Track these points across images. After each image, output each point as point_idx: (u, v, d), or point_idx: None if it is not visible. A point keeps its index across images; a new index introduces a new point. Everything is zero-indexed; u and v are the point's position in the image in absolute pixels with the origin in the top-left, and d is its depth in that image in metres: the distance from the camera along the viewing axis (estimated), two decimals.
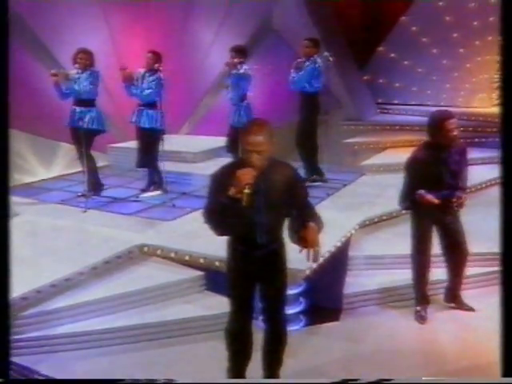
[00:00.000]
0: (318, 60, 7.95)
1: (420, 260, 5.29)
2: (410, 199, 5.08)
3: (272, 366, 4.05)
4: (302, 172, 8.29)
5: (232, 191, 3.32)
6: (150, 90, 7.60)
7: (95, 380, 4.09)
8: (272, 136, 3.49)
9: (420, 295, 5.36)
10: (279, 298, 3.93)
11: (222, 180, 3.47)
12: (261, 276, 3.82)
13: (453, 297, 5.46)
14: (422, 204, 4.97)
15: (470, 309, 5.41)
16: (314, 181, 8.26)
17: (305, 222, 3.42)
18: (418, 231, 5.25)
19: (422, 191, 4.94)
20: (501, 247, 3.64)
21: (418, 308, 5.33)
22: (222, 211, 3.40)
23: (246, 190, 3.29)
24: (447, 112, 5.13)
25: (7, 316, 3.57)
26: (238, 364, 4.07)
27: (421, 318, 5.26)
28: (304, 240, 3.38)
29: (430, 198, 4.90)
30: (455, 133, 4.95)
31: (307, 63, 7.88)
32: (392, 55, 12.49)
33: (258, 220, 3.58)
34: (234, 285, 3.90)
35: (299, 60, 7.96)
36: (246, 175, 3.32)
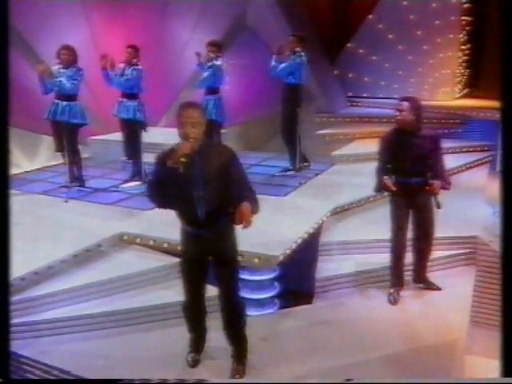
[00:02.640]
0: (302, 54, 8.04)
1: (397, 244, 5.24)
2: (377, 182, 5.06)
3: (236, 343, 4.05)
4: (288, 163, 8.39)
5: (169, 162, 3.50)
6: (130, 79, 7.51)
7: (95, 380, 4.00)
8: (204, 116, 3.73)
9: (396, 278, 5.32)
10: (231, 279, 3.92)
11: (164, 158, 3.61)
12: (210, 258, 3.85)
13: (420, 278, 5.47)
14: (385, 190, 5.01)
15: (437, 288, 5.44)
16: (301, 169, 8.41)
17: (240, 203, 3.49)
18: (394, 216, 5.18)
19: (386, 177, 4.93)
20: (501, 247, 3.59)
21: (392, 290, 5.30)
22: (161, 183, 3.62)
23: (182, 159, 3.47)
24: (401, 97, 5.16)
25: (7, 317, 3.46)
26: (195, 339, 4.19)
27: (393, 300, 5.24)
28: (236, 217, 3.47)
29: (389, 184, 4.90)
30: (398, 116, 4.93)
31: (291, 56, 7.97)
32: (361, 51, 12.53)
33: (195, 194, 3.64)
34: (184, 268, 3.97)
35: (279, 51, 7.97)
36: (183, 147, 3.54)
